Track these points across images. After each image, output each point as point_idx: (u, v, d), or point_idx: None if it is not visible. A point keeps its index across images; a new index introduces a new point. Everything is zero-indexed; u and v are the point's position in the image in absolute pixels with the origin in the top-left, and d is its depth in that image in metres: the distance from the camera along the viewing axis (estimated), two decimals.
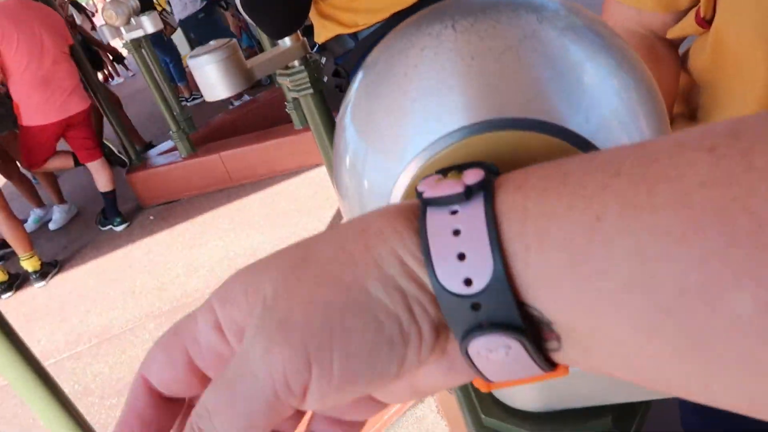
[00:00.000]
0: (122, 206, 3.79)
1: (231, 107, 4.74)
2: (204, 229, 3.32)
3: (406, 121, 0.25)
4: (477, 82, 0.23)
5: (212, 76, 1.34)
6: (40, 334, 2.73)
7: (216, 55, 1.30)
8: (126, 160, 3.84)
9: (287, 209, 3.21)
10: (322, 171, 3.43)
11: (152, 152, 4.13)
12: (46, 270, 3.20)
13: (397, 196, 0.25)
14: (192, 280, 2.82)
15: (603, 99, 0.24)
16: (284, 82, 1.60)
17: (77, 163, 3.42)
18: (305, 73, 1.52)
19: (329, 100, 1.55)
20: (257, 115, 4.37)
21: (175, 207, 3.74)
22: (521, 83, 0.23)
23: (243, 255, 2.88)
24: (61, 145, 3.40)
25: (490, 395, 0.38)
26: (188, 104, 5.41)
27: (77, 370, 2.40)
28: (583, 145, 0.23)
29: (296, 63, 1.53)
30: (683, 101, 0.67)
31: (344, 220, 0.29)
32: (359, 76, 0.29)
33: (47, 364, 1.63)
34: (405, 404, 1.69)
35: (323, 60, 3.98)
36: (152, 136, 4.83)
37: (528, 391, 0.35)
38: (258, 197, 3.48)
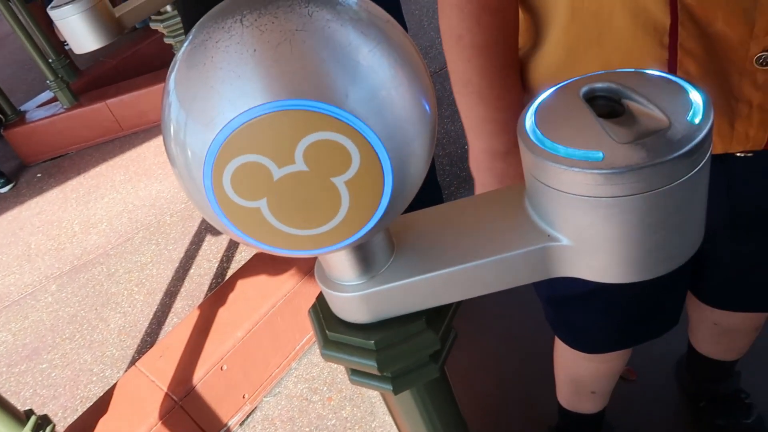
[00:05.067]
0: (3, 165, 3.55)
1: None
2: (98, 183, 3.19)
3: (210, 102, 0.30)
4: (258, 70, 0.29)
5: (77, 27, 1.28)
6: None
7: (79, 5, 1.24)
8: (0, 116, 3.55)
9: None
10: None
11: (29, 105, 3.83)
12: None
13: (209, 166, 0.31)
14: (91, 236, 2.74)
15: (365, 76, 0.30)
16: (158, 27, 1.55)
17: None
18: (179, 18, 1.48)
19: None
20: (144, 57, 4.12)
21: (63, 162, 3.54)
22: (294, 69, 0.29)
23: (143, 206, 2.82)
24: None
25: (333, 315, 0.45)
26: (66, 47, 4.97)
27: None
28: (347, 117, 0.30)
29: (169, 8, 1.48)
30: (521, 33, 0.74)
31: (180, 186, 0.35)
32: (182, 48, 0.33)
33: None
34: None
35: None
36: (28, 87, 4.45)
37: (359, 308, 0.43)
38: (153, 145, 3.36)
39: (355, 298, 0.42)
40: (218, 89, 0.30)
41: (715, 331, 1.12)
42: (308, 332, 1.77)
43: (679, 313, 0.95)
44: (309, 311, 0.48)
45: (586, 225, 0.37)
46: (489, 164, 0.74)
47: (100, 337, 2.16)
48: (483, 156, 0.74)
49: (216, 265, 2.30)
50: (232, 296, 1.70)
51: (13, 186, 3.42)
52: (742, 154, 0.65)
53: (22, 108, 3.76)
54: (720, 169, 0.66)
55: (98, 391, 1.93)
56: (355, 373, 0.47)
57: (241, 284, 1.73)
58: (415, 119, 0.33)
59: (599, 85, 0.39)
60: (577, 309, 0.93)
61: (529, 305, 1.63)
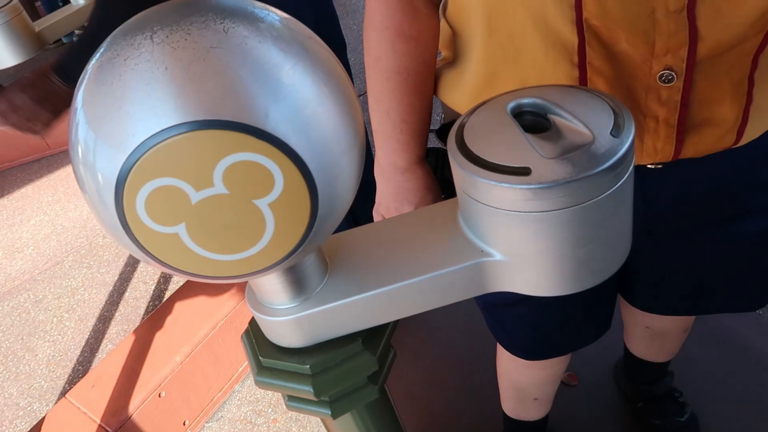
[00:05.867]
0: None
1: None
2: (23, 205, 3.02)
3: (120, 123, 0.28)
4: (171, 89, 0.27)
5: None
6: None
7: None
8: None
9: None
10: None
11: None
12: None
13: (120, 193, 0.29)
14: (16, 261, 2.58)
15: (285, 95, 0.29)
16: None
17: None
18: None
19: None
20: None
21: None
22: (208, 88, 0.28)
23: (73, 228, 2.69)
24: None
25: (266, 340, 0.44)
26: None
27: None
28: (268, 137, 0.28)
29: None
30: (447, 47, 0.76)
31: (90, 210, 0.32)
32: (90, 65, 0.31)
33: None
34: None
35: None
36: None
37: (292, 332, 0.41)
38: None
39: (288, 322, 0.40)
40: (127, 109, 0.28)
41: (647, 333, 1.16)
42: None
43: (610, 318, 0.98)
44: (242, 336, 0.46)
45: (517, 240, 0.37)
46: (390, 175, 0.78)
47: (27, 368, 2.03)
48: (385, 167, 0.78)
49: (153, 287, 2.21)
50: (169, 319, 1.63)
51: None
52: (653, 166, 0.68)
53: None
54: (635, 180, 0.69)
55: (25, 427, 1.80)
56: (292, 399, 0.45)
57: (180, 306, 1.67)
58: (341, 137, 0.32)
59: (526, 100, 0.40)
60: (509, 315, 0.94)
61: (470, 316, 1.65)
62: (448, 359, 1.61)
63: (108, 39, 0.31)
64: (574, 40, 0.59)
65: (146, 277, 2.27)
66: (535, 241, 0.37)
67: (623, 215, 0.39)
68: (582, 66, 0.61)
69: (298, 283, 0.39)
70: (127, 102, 0.28)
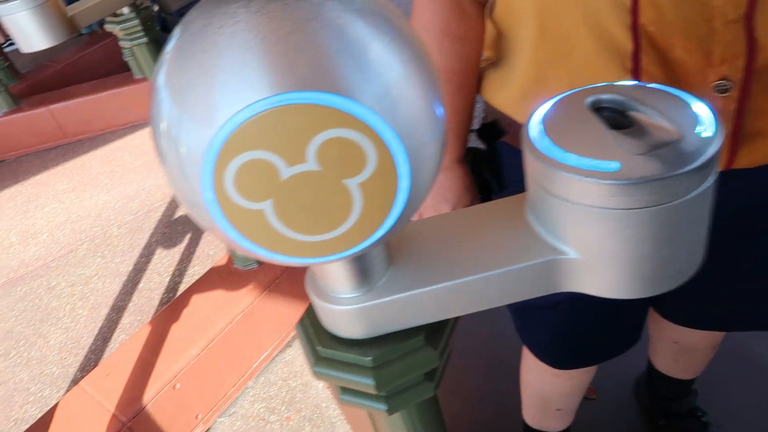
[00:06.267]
0: None
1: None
2: (38, 192, 3.03)
3: (211, 94, 0.27)
4: (268, 59, 0.26)
5: (26, 25, 1.21)
6: None
7: (29, 1, 1.18)
8: None
9: (133, 165, 3.02)
10: None
11: None
12: None
13: (210, 162, 0.28)
14: (30, 247, 2.59)
15: (381, 72, 0.28)
16: (114, 30, 1.49)
17: None
18: (137, 21, 1.42)
19: None
20: (89, 63, 3.96)
21: (0, 168, 3.35)
22: (306, 60, 0.27)
23: (88, 217, 2.69)
24: None
25: (324, 330, 0.43)
26: (5, 49, 4.74)
27: None
28: (365, 114, 0.27)
29: (126, 10, 1.42)
30: (492, 48, 0.75)
31: (169, 184, 0.32)
32: (172, 40, 0.30)
33: None
34: (275, 348, 1.75)
35: (156, 8, 3.68)
36: None
37: (355, 322, 0.40)
38: (98, 154, 3.23)
39: (352, 312, 0.39)
40: (221, 78, 0.27)
41: (674, 349, 1.15)
42: (266, 350, 1.72)
43: (640, 330, 0.96)
44: (297, 326, 0.45)
45: (596, 238, 0.36)
46: None
47: (38, 354, 2.03)
48: None
49: (167, 279, 2.21)
50: (186, 312, 1.63)
51: None
52: None
53: None
54: None
55: (35, 413, 1.80)
56: (346, 392, 0.44)
57: (196, 299, 1.66)
58: (430, 119, 0.31)
59: (606, 96, 0.39)
60: (540, 320, 0.93)
61: (493, 321, 1.63)
62: (468, 365, 1.60)
63: (196, 9, 0.30)
64: (629, 45, 0.59)
65: (160, 269, 2.27)
66: (615, 239, 0.36)
67: (704, 218, 0.38)
68: (635, 71, 0.60)
69: (364, 272, 0.38)
70: (221, 71, 0.27)
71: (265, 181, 0.28)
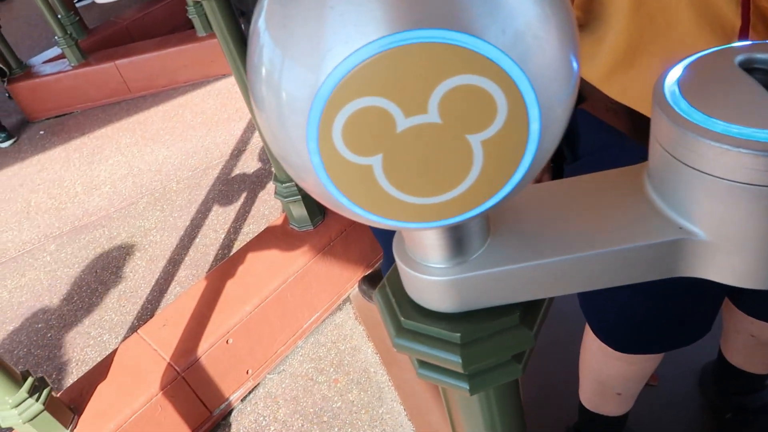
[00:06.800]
0: (6, 120, 3.46)
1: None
2: (102, 144, 3.11)
3: (325, 30, 0.24)
4: None
5: None
6: None
7: None
8: (5, 68, 3.46)
9: (193, 122, 3.06)
10: (230, 82, 3.27)
11: (36, 60, 3.73)
12: None
13: (317, 109, 0.25)
14: (93, 198, 2.67)
15: (518, 11, 0.24)
16: None
17: None
18: None
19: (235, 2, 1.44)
20: (155, 20, 4.01)
21: (67, 120, 3.46)
22: None
23: (149, 171, 2.75)
24: None
25: (408, 300, 0.40)
26: (77, 5, 4.85)
27: None
28: (498, 56, 0.23)
29: None
30: (582, 8, 0.70)
31: (261, 132, 0.29)
32: None
33: None
34: (326, 310, 1.75)
35: None
36: (33, 42, 4.35)
37: (446, 295, 0.37)
38: (161, 110, 3.28)
39: (444, 283, 0.36)
40: (341, 11, 0.23)
41: (751, 342, 1.08)
42: (317, 311, 1.72)
43: (712, 320, 0.90)
44: (376, 293, 0.42)
45: (734, 218, 0.31)
46: None
47: (98, 300, 2.10)
48: None
49: (222, 236, 2.24)
50: (241, 269, 1.64)
51: (15, 141, 3.34)
52: None
53: (28, 62, 3.66)
54: None
55: (95, 356, 1.87)
56: (424, 367, 0.41)
57: (252, 257, 1.67)
58: (567, 73, 0.27)
59: (761, 55, 0.33)
60: (608, 301, 0.89)
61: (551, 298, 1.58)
62: None
63: None
64: (737, 21, 0.54)
65: (216, 226, 2.30)
66: (757, 220, 0.31)
67: None
68: None
69: (462, 241, 0.35)
70: (335, 4, 0.23)
71: (377, 132, 0.25)
